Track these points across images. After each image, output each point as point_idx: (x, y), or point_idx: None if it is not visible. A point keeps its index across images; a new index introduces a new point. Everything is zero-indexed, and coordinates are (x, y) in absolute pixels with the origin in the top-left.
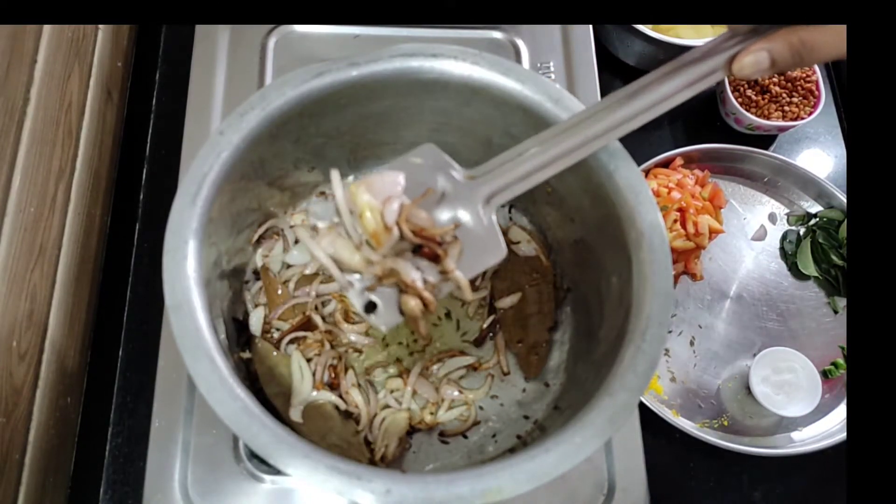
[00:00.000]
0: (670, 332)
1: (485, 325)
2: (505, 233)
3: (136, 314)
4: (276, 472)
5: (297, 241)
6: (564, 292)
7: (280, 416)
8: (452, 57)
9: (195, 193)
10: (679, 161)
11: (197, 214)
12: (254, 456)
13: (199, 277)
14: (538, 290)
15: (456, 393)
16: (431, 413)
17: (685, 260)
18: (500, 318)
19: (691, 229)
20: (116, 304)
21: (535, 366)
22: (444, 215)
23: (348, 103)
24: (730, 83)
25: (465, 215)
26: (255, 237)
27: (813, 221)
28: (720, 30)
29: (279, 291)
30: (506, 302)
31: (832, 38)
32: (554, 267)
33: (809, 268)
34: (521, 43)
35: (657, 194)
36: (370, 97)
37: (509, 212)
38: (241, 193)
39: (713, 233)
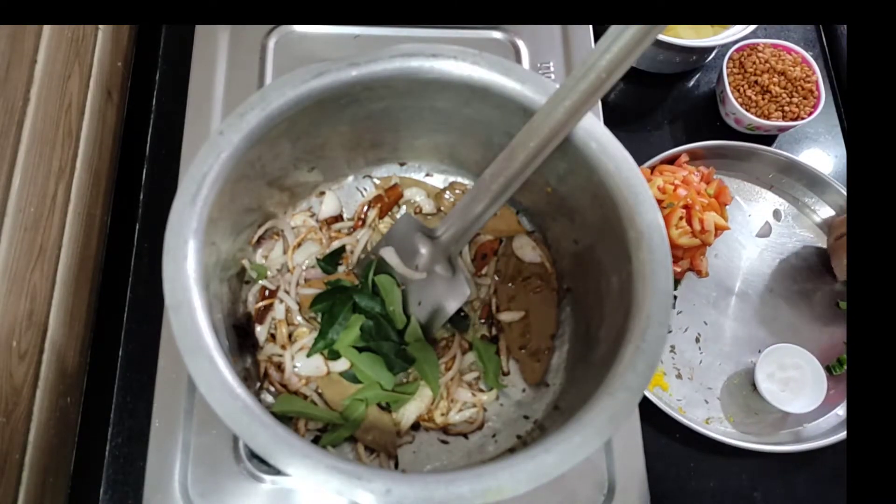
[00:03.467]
0: (670, 331)
1: (488, 333)
2: (511, 239)
3: (136, 314)
4: (276, 472)
5: (299, 245)
6: (564, 292)
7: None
8: (452, 57)
9: (195, 193)
10: (684, 158)
11: (197, 214)
12: (254, 456)
13: (199, 277)
14: (542, 297)
15: (469, 395)
16: (443, 414)
17: (691, 257)
18: (503, 324)
19: (697, 226)
20: (116, 304)
21: (537, 372)
22: (422, 270)
23: (348, 103)
24: (730, 83)
25: (437, 267)
26: (256, 237)
27: None
28: (720, 30)
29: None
30: (506, 317)
31: None
32: (556, 270)
33: None
34: (521, 43)
35: (662, 191)
36: (370, 97)
37: (517, 214)
38: (241, 193)
39: (718, 229)
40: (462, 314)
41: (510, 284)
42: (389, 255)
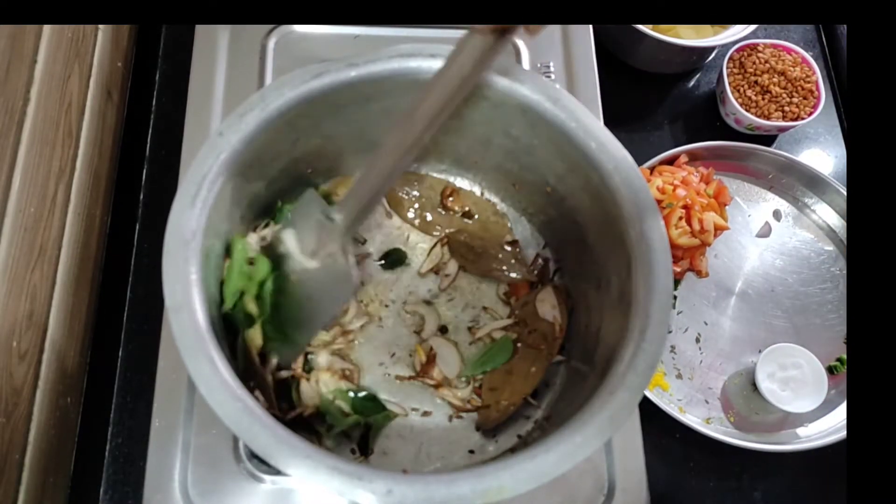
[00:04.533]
0: (670, 331)
1: None
2: (540, 290)
3: (136, 314)
4: (276, 472)
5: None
6: (560, 362)
7: None
8: None
9: (194, 195)
10: (684, 158)
11: (196, 216)
12: (254, 456)
13: (198, 279)
14: (536, 356)
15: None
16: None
17: (690, 257)
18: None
19: (696, 226)
20: (116, 304)
21: (490, 421)
22: (318, 256)
23: (347, 104)
24: (730, 83)
25: (334, 250)
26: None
27: None
28: (720, 30)
29: None
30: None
31: None
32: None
33: None
34: (521, 43)
35: (662, 191)
36: (369, 98)
37: (506, 218)
38: (240, 194)
39: (718, 230)
40: None
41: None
42: (288, 237)
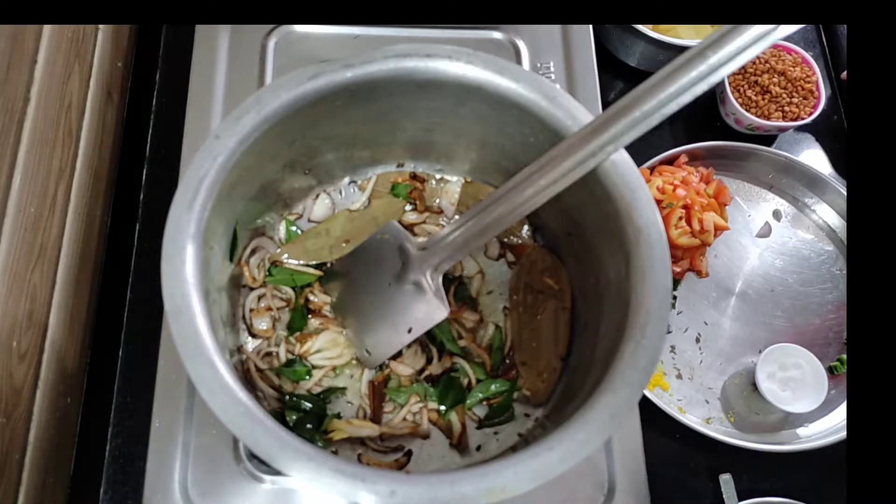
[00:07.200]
0: (670, 331)
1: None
2: (528, 254)
3: (136, 314)
4: (275, 472)
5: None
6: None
7: None
8: (447, 57)
9: (192, 198)
10: (683, 158)
11: (194, 219)
12: (253, 456)
13: (197, 282)
14: (555, 315)
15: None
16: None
17: (690, 257)
18: (515, 336)
19: (696, 226)
20: (116, 304)
21: (541, 393)
22: (403, 280)
23: (343, 105)
24: (730, 83)
25: (418, 279)
26: (251, 244)
27: None
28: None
29: None
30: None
31: None
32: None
33: None
34: (521, 43)
35: (662, 191)
36: (365, 98)
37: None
38: (237, 197)
39: (718, 230)
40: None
41: (515, 297)
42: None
